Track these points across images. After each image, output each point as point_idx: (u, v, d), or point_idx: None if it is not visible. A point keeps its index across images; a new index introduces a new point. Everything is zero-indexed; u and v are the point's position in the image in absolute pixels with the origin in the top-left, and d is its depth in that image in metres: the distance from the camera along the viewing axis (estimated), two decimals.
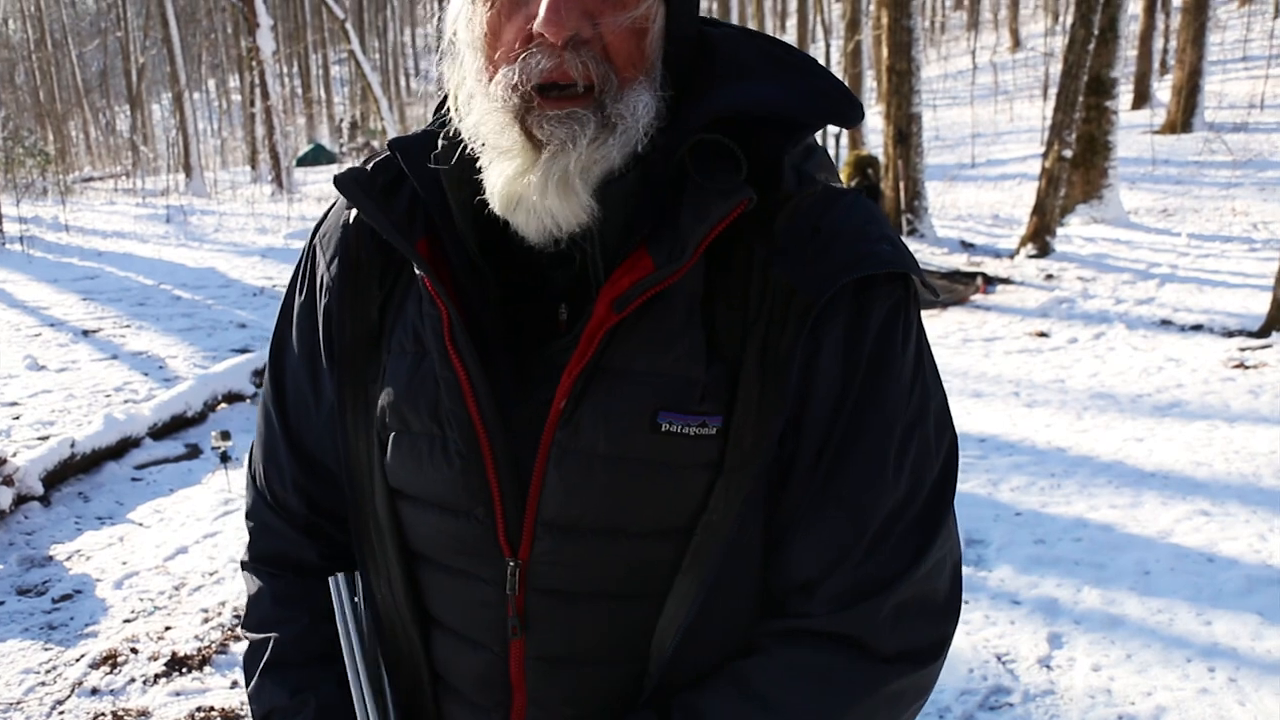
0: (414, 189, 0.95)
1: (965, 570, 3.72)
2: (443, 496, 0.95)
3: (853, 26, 17.11)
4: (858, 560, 0.90)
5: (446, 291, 0.91)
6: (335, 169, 22.94)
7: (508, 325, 0.93)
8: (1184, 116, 16.83)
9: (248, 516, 1.15)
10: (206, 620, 3.64)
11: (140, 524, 4.59)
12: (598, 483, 0.89)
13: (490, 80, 0.87)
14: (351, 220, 1.00)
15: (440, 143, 0.94)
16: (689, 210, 0.86)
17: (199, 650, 3.44)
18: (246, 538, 1.15)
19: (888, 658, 0.90)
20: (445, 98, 0.98)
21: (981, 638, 3.29)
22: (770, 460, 0.90)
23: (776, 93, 0.89)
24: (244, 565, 1.15)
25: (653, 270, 0.85)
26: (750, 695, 0.90)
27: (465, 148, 0.92)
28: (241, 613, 3.63)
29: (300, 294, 1.07)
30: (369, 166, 0.98)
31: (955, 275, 9.19)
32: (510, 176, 0.87)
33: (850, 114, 0.90)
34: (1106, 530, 4.09)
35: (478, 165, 0.91)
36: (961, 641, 3.25)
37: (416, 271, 0.94)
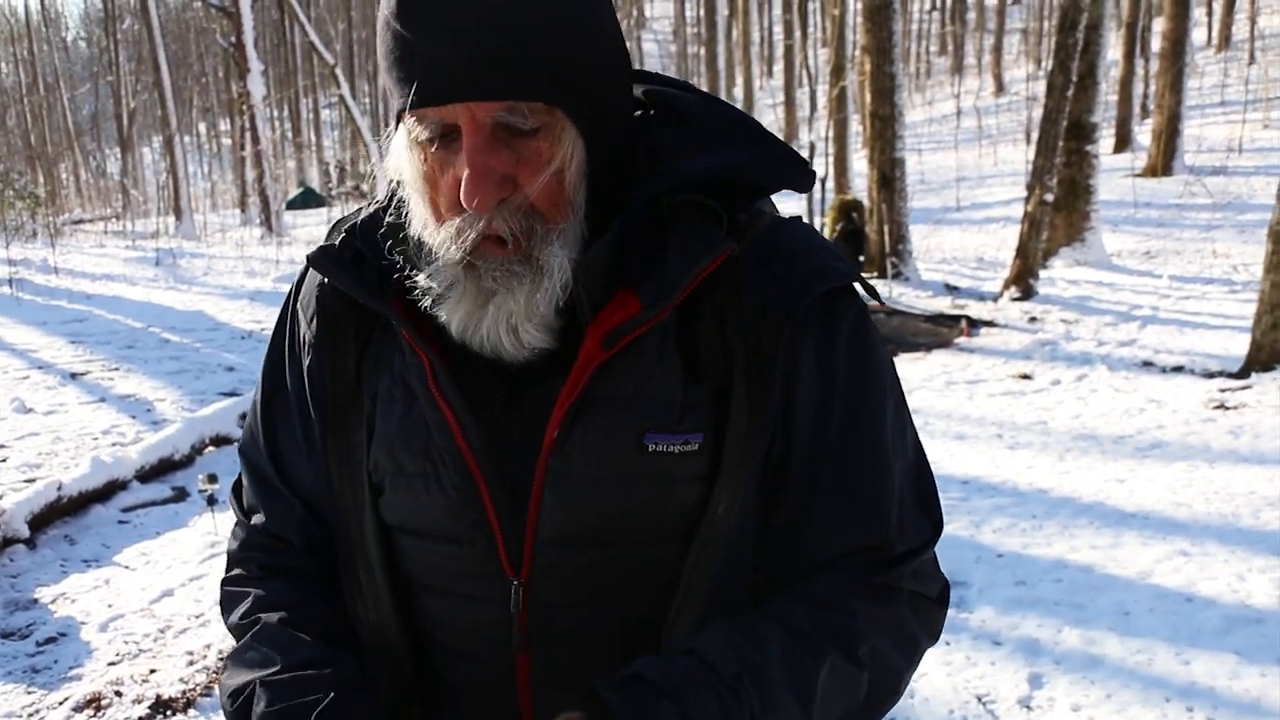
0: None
1: (948, 611, 3.75)
2: (442, 528, 1.01)
3: (838, 72, 17.34)
4: (889, 533, 1.00)
5: (426, 341, 0.97)
6: (325, 212, 23.05)
7: (490, 362, 0.98)
8: (1164, 160, 17.08)
9: (238, 550, 1.15)
10: (191, 663, 3.64)
11: (126, 567, 4.59)
12: (593, 501, 0.96)
13: (435, 224, 0.94)
14: (326, 282, 1.06)
15: (388, 218, 1.02)
16: (676, 256, 0.94)
17: (183, 693, 3.44)
18: (230, 566, 1.15)
19: (917, 596, 1.03)
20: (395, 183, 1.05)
21: (963, 679, 3.31)
22: (762, 464, 0.98)
23: (747, 160, 1.00)
24: (226, 583, 1.14)
25: (640, 310, 0.93)
26: (800, 606, 0.98)
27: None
28: (227, 654, 3.64)
29: (286, 352, 1.12)
30: (338, 241, 1.05)
31: (939, 318, 9.28)
32: (462, 317, 0.95)
33: (804, 181, 1.02)
34: (1087, 571, 4.13)
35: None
36: (942, 682, 3.27)
37: (396, 326, 1.00)
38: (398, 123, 0.94)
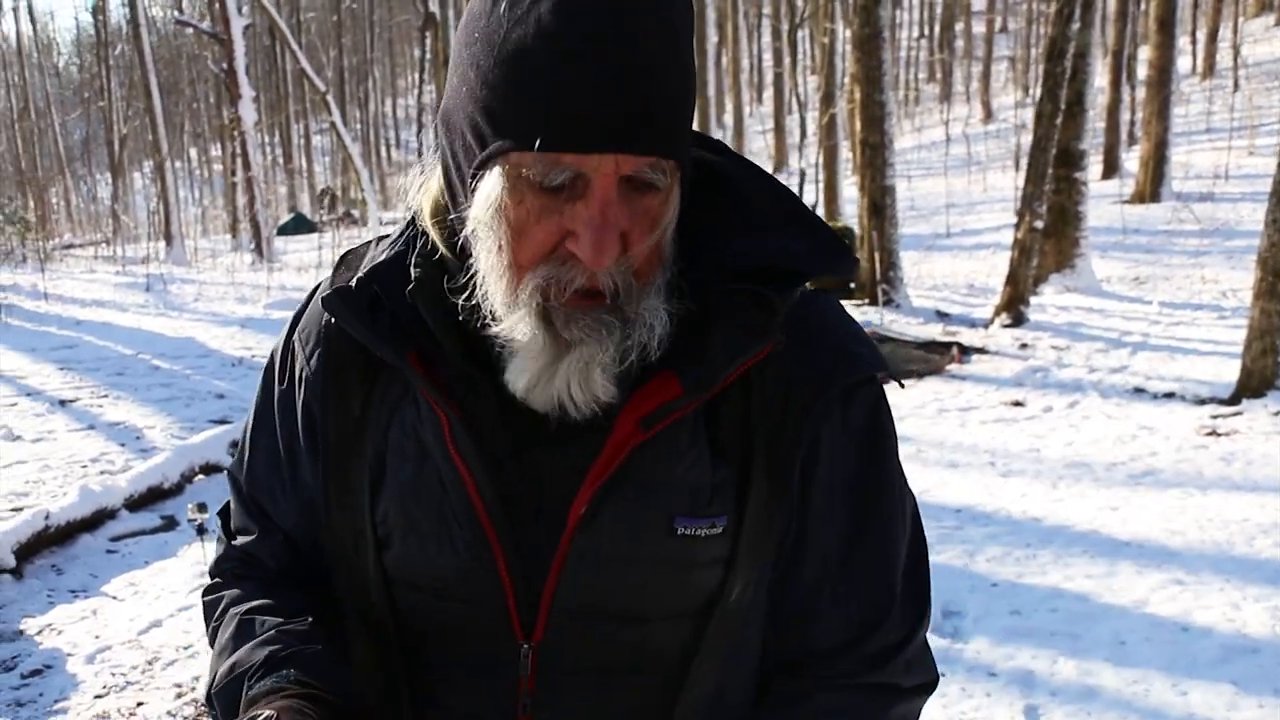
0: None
1: (942, 643, 3.73)
2: (451, 587, 0.98)
3: (827, 100, 17.48)
4: (887, 625, 1.01)
5: (443, 397, 0.94)
6: (315, 238, 23.06)
7: (507, 421, 0.95)
8: (1152, 187, 17.20)
9: (215, 566, 1.15)
10: (180, 695, 3.60)
11: (114, 597, 4.55)
12: (615, 578, 0.95)
13: (512, 273, 0.88)
14: (334, 321, 1.02)
15: (414, 272, 0.96)
16: (720, 343, 0.91)
17: None
18: (210, 579, 1.15)
19: (909, 691, 1.03)
20: (412, 219, 1.01)
21: (958, 710, 3.29)
22: (776, 549, 0.98)
23: (801, 251, 0.96)
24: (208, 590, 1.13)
25: (680, 395, 0.91)
26: None
27: (443, 276, 0.95)
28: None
29: (280, 384, 1.09)
30: (354, 283, 0.98)
31: (931, 345, 9.30)
32: (535, 373, 0.90)
33: (846, 268, 0.98)
34: (1082, 600, 4.12)
35: (455, 287, 0.93)
36: (938, 715, 3.25)
37: (413, 382, 0.97)
38: (483, 161, 0.86)
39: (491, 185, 0.86)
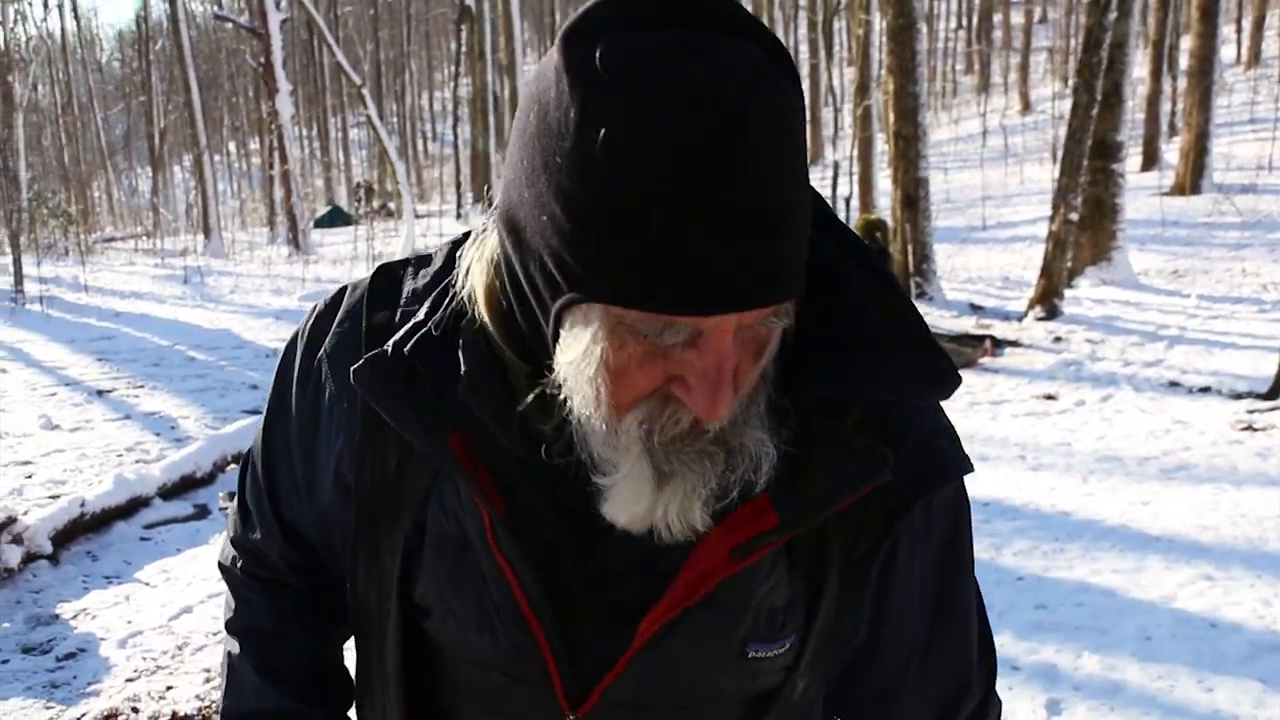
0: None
1: None
2: (494, 665, 0.94)
3: (862, 91, 17.35)
4: (969, 696, 1.00)
5: (486, 492, 0.86)
6: (352, 230, 23.23)
7: (565, 509, 0.87)
8: (1192, 178, 16.96)
9: (230, 545, 1.16)
10: (208, 680, 3.66)
11: (147, 583, 4.63)
12: (677, 684, 0.91)
13: (612, 414, 0.78)
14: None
15: (464, 364, 0.85)
16: (824, 477, 0.84)
17: (199, 710, 3.45)
18: (225, 551, 1.17)
19: None
20: (449, 253, 0.93)
21: None
22: (845, 649, 0.96)
23: (913, 380, 0.85)
24: (225, 570, 1.15)
25: (776, 527, 0.84)
26: None
27: (496, 366, 0.86)
28: None
29: (299, 392, 1.01)
30: (389, 349, 0.87)
31: (963, 338, 9.23)
32: (638, 506, 0.81)
33: (949, 389, 0.86)
34: (1109, 595, 4.08)
35: (508, 380, 0.85)
36: None
37: (455, 476, 0.89)
38: (569, 295, 0.74)
39: (587, 331, 0.74)
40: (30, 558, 4.69)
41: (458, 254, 0.92)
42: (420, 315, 0.89)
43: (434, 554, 0.93)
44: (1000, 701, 1.06)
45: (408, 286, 0.95)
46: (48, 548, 4.78)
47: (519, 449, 0.85)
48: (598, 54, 0.69)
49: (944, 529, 0.95)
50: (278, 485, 1.06)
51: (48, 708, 3.53)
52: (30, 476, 6.17)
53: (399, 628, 0.97)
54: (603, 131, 0.68)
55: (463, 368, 0.85)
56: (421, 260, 0.97)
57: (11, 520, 4.64)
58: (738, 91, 0.68)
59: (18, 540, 4.62)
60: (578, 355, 0.75)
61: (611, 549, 0.86)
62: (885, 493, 0.87)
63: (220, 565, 1.16)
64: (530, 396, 0.82)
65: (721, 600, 0.87)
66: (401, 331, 0.88)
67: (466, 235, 0.93)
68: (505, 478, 0.87)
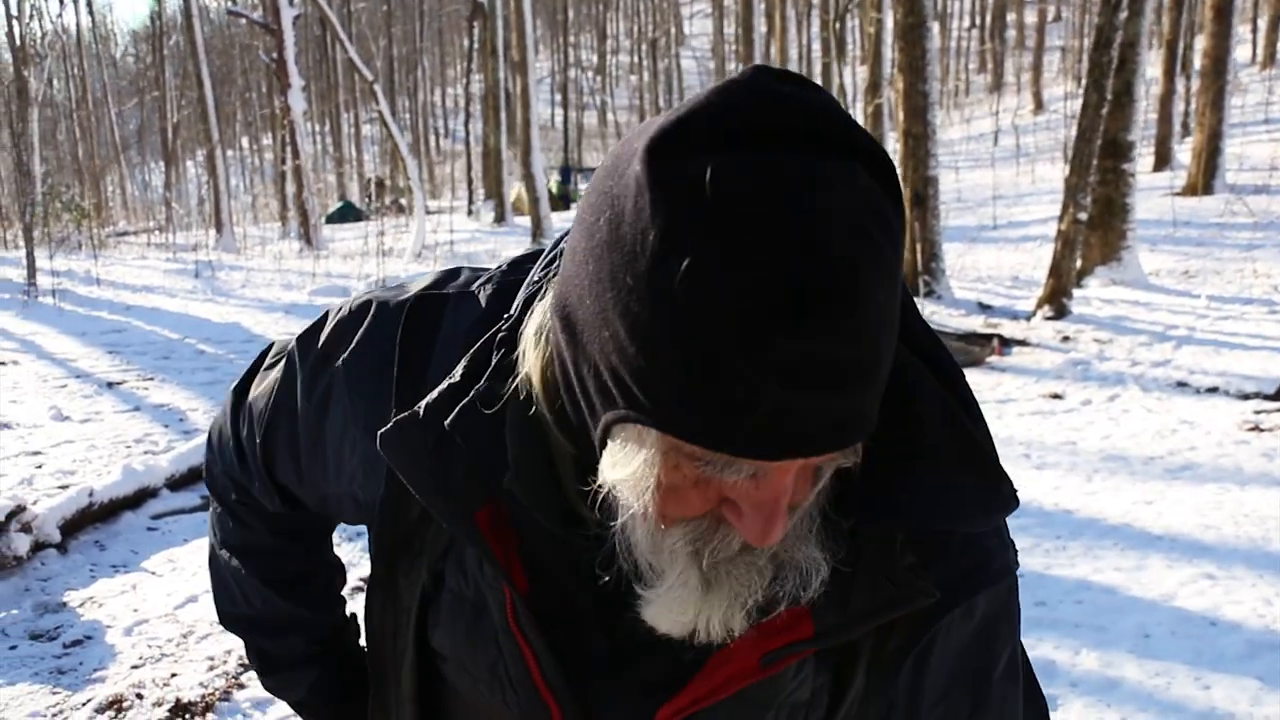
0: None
1: None
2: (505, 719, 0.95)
3: (873, 90, 17.32)
4: None
5: (511, 571, 0.84)
6: (363, 226, 23.30)
7: (587, 582, 0.83)
8: (1205, 179, 16.90)
9: (217, 479, 1.16)
10: (212, 668, 3.69)
11: (153, 573, 4.67)
12: None
13: (660, 527, 0.74)
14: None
15: (511, 450, 0.80)
16: (865, 596, 0.81)
17: (203, 697, 3.49)
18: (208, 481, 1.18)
19: None
20: (491, 352, 0.84)
21: None
22: None
23: (972, 508, 0.80)
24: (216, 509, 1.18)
25: (811, 638, 0.81)
26: None
27: (545, 455, 0.82)
28: (246, 661, 3.68)
29: (305, 395, 0.99)
30: (421, 413, 0.82)
31: (971, 337, 9.22)
32: (683, 616, 0.77)
33: (1006, 514, 0.82)
34: (1109, 593, 4.09)
35: (554, 462, 0.81)
36: None
37: (479, 553, 0.86)
38: (624, 413, 0.69)
39: (641, 452, 0.70)
40: (39, 546, 4.74)
41: (501, 306, 0.87)
42: (457, 376, 0.83)
43: (451, 611, 0.91)
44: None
45: (446, 328, 0.91)
46: (56, 537, 4.82)
47: (559, 530, 0.81)
48: (693, 176, 0.62)
49: (988, 620, 0.88)
50: (276, 463, 1.06)
51: (54, 693, 3.57)
52: (40, 466, 6.22)
53: (414, 667, 0.96)
54: (686, 263, 0.61)
55: (510, 453, 0.79)
56: (463, 299, 0.92)
57: (20, 509, 4.68)
58: (846, 236, 0.62)
59: (26, 529, 4.66)
60: (628, 474, 0.70)
61: (639, 628, 0.81)
62: (929, 600, 0.83)
63: (211, 489, 1.17)
64: (576, 487, 0.79)
65: (744, 697, 0.85)
66: (436, 393, 0.82)
67: (516, 269, 0.90)
68: (535, 550, 0.85)
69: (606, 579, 0.80)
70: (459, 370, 0.83)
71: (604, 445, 0.72)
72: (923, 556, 0.81)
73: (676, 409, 0.65)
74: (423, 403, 0.82)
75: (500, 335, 0.83)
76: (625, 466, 0.70)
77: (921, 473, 0.77)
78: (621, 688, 0.88)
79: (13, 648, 3.94)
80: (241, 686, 3.55)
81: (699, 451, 0.67)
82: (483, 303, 0.90)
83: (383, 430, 0.82)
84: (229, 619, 1.21)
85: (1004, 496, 0.79)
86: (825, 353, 0.62)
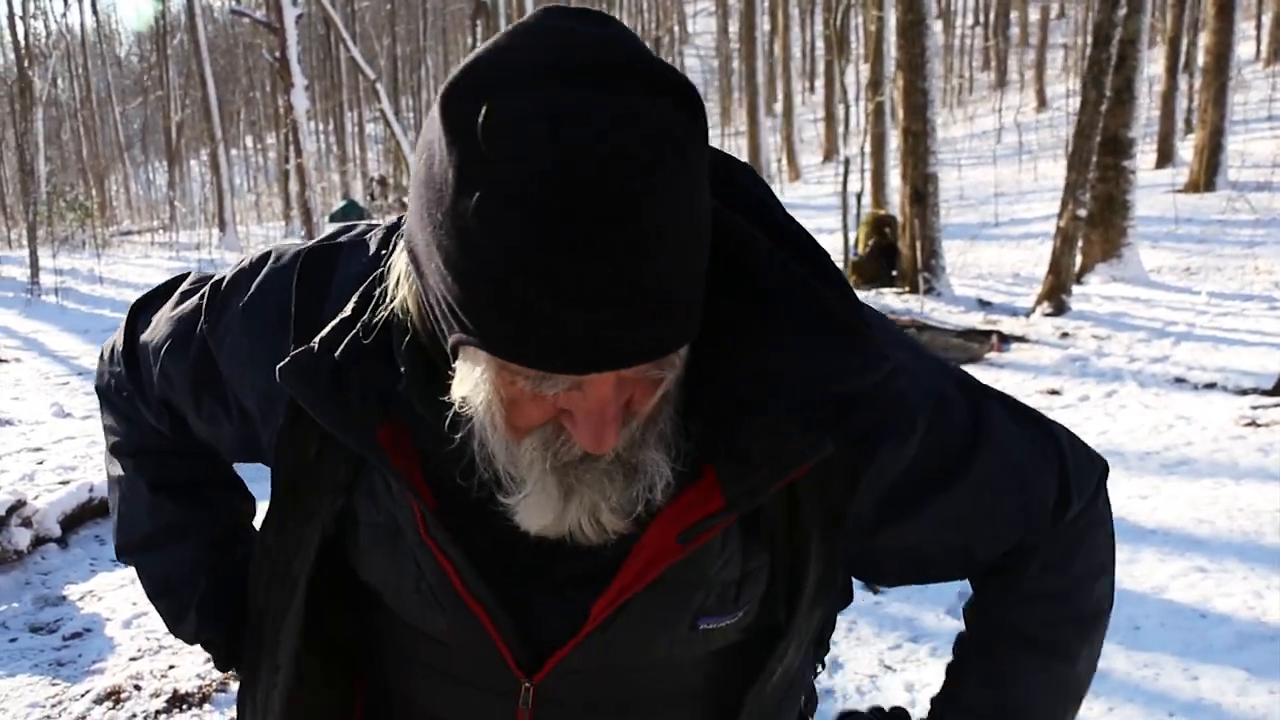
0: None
1: (956, 623, 3.75)
2: (444, 638, 0.96)
3: (874, 87, 17.34)
4: (1035, 535, 1.03)
5: (415, 485, 0.87)
6: (367, 224, 23.30)
7: (488, 495, 0.86)
8: (1207, 175, 16.86)
9: (110, 387, 1.18)
10: (209, 660, 3.73)
11: None
12: (629, 655, 0.93)
13: (511, 437, 0.81)
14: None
15: (403, 365, 0.86)
16: (764, 456, 0.84)
17: (200, 689, 3.53)
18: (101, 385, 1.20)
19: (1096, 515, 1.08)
20: (374, 289, 0.90)
21: None
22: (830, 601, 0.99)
23: (838, 370, 0.84)
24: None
25: (722, 508, 0.85)
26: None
27: (432, 375, 0.85)
28: None
29: (214, 341, 1.01)
30: (315, 347, 0.87)
31: (970, 334, 9.24)
32: (545, 519, 0.83)
33: (874, 373, 0.86)
34: None
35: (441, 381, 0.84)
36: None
37: (383, 472, 0.90)
38: (457, 335, 0.76)
39: (476, 369, 0.77)
40: (39, 541, 4.78)
41: (387, 249, 0.92)
42: (348, 311, 0.89)
43: (370, 541, 0.94)
44: (1102, 463, 1.08)
45: (340, 275, 0.95)
46: (56, 531, 4.87)
47: (453, 436, 0.84)
48: (477, 117, 0.68)
49: (938, 431, 0.94)
50: (173, 390, 1.08)
51: (53, 684, 3.61)
52: (41, 462, 6.26)
53: (300, 611, 0.98)
54: (475, 198, 0.68)
55: (403, 373, 0.85)
56: (355, 246, 0.98)
57: (21, 504, 4.73)
58: (618, 164, 0.66)
59: (27, 524, 4.71)
60: (471, 389, 0.78)
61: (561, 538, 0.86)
62: (850, 446, 0.87)
63: (100, 390, 1.18)
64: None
65: (671, 580, 0.88)
66: (328, 329, 0.88)
67: (399, 222, 0.94)
68: (438, 469, 0.88)
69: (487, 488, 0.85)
70: (349, 307, 0.89)
71: (452, 366, 0.79)
72: (821, 414, 0.84)
73: (488, 330, 0.72)
74: (318, 339, 0.87)
75: (380, 272, 0.89)
76: (468, 383, 0.78)
77: (780, 334, 0.83)
78: (548, 590, 0.90)
79: (13, 640, 3.98)
80: (238, 679, 3.59)
81: (519, 369, 0.74)
82: (372, 248, 0.96)
83: (280, 364, 0.87)
84: (124, 549, 1.20)
85: (865, 350, 0.84)
86: (600, 275, 0.67)
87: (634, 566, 0.87)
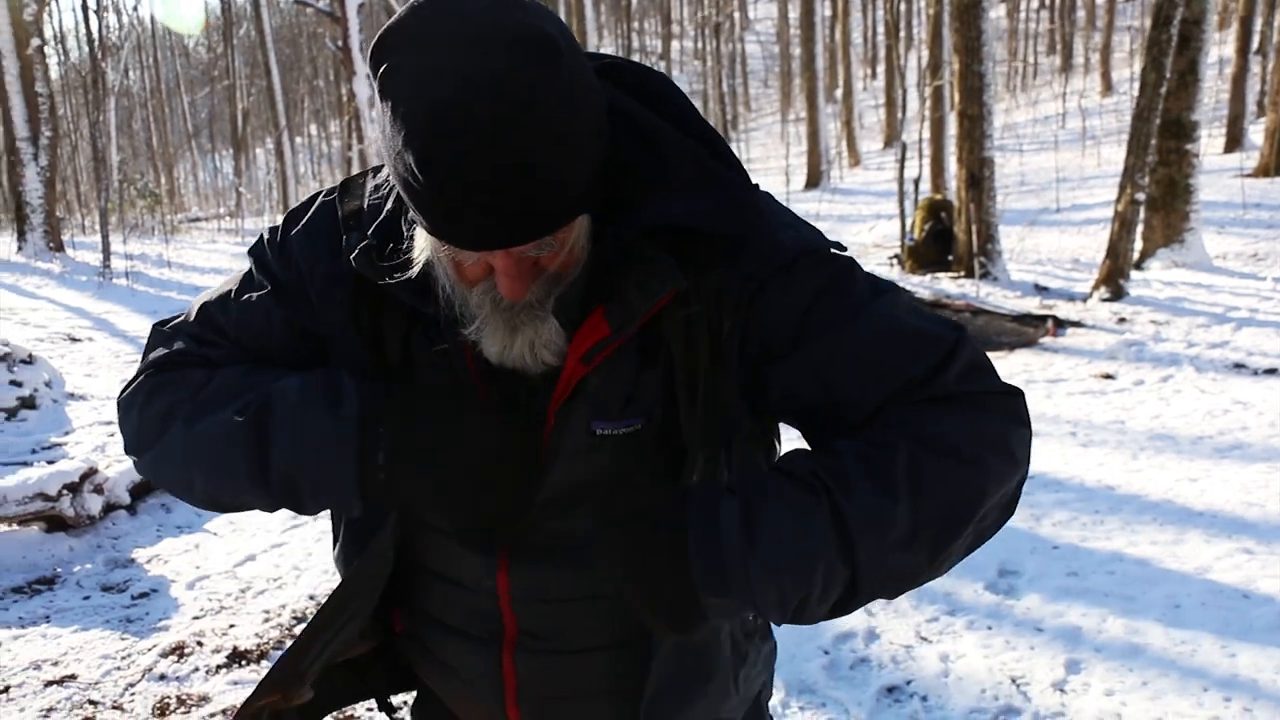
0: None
1: (994, 599, 3.79)
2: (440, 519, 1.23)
3: (933, 71, 17.18)
4: (917, 376, 1.10)
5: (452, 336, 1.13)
6: None
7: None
8: (1277, 160, 16.45)
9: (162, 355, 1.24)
10: (267, 620, 3.90)
11: (214, 533, 4.90)
12: (570, 468, 1.14)
13: (465, 286, 1.07)
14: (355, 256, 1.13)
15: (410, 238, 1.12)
16: (635, 288, 1.06)
17: (258, 646, 3.69)
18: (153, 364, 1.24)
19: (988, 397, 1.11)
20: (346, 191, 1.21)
21: (999, 661, 3.36)
22: (748, 420, 1.17)
23: (703, 210, 1.08)
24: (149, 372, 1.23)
25: (610, 333, 1.07)
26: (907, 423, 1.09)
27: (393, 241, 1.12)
28: (299, 614, 3.87)
29: (283, 271, 1.21)
30: (370, 235, 1.14)
31: (1025, 318, 9.16)
32: (499, 351, 1.09)
33: (740, 224, 1.10)
34: (1142, 565, 4.11)
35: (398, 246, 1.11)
36: (978, 664, 3.32)
37: (442, 329, 1.14)
38: (414, 218, 1.06)
39: (423, 236, 1.07)
40: (110, 507, 5.00)
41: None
42: (390, 205, 1.14)
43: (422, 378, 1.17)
44: (1004, 385, 1.12)
45: (369, 187, 1.20)
46: (126, 499, 5.08)
47: (410, 299, 1.12)
48: (383, 71, 0.95)
49: (815, 280, 1.11)
50: (249, 331, 1.21)
51: (123, 639, 3.80)
52: (112, 435, 6.51)
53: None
54: (397, 132, 0.94)
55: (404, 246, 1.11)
56: (379, 168, 1.20)
57: (93, 471, 4.95)
58: (461, 104, 0.90)
59: (99, 491, 4.93)
60: (431, 254, 1.07)
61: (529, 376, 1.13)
62: (737, 286, 1.09)
63: (158, 367, 1.21)
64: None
65: (586, 395, 1.11)
66: (373, 229, 1.14)
67: None
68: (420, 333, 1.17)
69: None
70: (392, 200, 1.15)
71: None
72: (694, 253, 1.07)
73: (423, 217, 1.00)
74: (368, 232, 1.13)
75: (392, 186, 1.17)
76: (427, 250, 1.08)
77: (668, 192, 1.07)
78: (517, 387, 1.14)
79: (86, 598, 4.19)
80: (294, 636, 3.74)
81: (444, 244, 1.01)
82: (385, 173, 1.19)
83: (352, 254, 1.12)
84: (227, 488, 1.20)
85: (735, 201, 1.09)
86: (479, 183, 0.93)
87: (559, 391, 1.11)
